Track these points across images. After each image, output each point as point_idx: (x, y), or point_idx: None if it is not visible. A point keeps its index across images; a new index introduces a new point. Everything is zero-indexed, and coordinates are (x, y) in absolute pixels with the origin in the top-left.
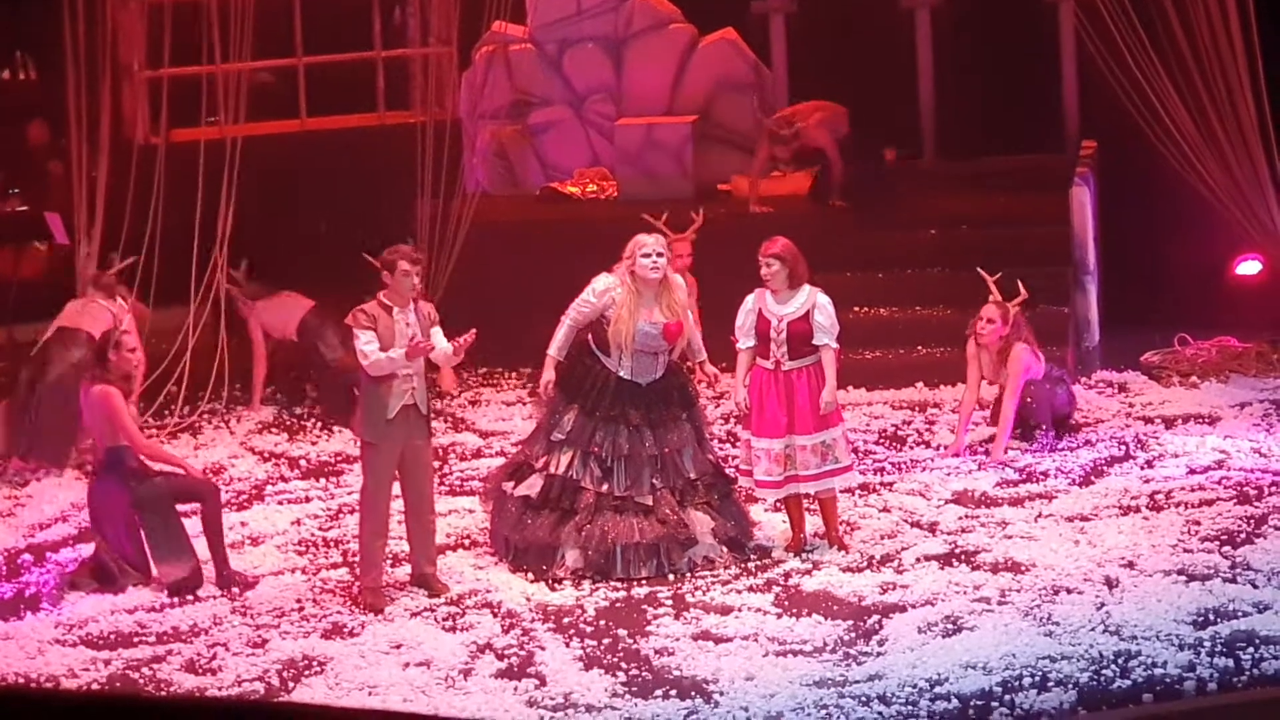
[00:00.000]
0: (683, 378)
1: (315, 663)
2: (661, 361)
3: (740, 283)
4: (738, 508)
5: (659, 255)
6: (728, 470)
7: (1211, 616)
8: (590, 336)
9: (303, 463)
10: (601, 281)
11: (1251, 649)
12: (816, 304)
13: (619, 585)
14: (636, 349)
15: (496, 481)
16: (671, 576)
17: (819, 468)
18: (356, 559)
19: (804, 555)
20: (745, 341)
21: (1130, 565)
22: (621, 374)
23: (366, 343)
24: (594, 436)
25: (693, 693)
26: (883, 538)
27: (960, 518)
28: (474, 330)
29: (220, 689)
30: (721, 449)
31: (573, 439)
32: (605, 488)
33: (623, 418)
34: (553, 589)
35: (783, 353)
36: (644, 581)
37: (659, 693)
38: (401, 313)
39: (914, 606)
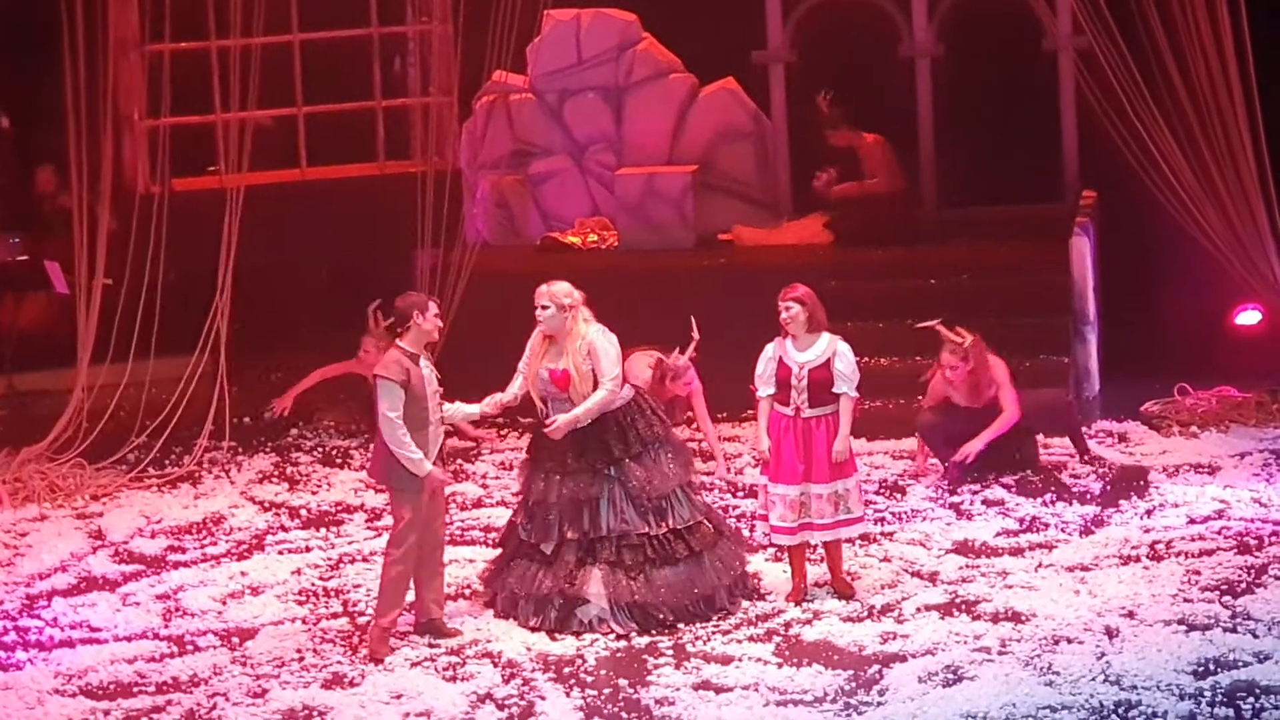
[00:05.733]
0: (612, 436)
1: (315, 713)
2: None
3: (743, 332)
4: (677, 577)
5: (543, 307)
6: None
7: (1212, 666)
8: None
9: (303, 512)
10: (535, 330)
11: (1252, 699)
12: (837, 352)
13: (620, 635)
14: (543, 394)
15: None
16: (575, 634)
17: (832, 517)
18: (358, 607)
19: (804, 605)
20: (765, 389)
21: (1130, 615)
22: (547, 422)
23: (392, 406)
24: (531, 484)
25: None
26: (883, 587)
27: (960, 567)
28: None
29: None
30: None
31: (521, 486)
32: (524, 534)
33: (546, 464)
34: (553, 638)
35: (803, 400)
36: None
37: None
38: (424, 361)
39: (914, 656)
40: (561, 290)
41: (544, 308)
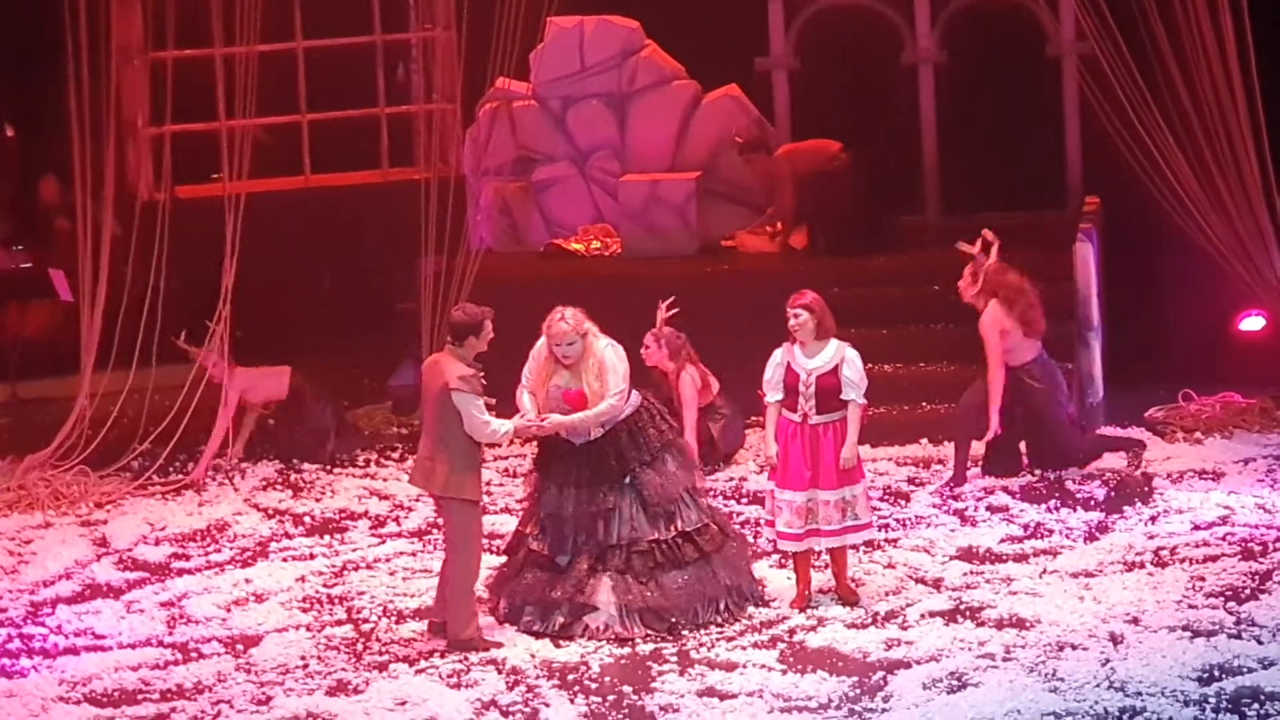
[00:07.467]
0: (625, 445)
1: None
2: None
3: (746, 338)
4: (686, 579)
5: (569, 344)
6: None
7: (1216, 672)
8: None
9: (307, 519)
10: (537, 345)
11: (1257, 705)
12: (845, 358)
13: (625, 639)
14: (555, 409)
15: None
16: (579, 640)
17: (839, 523)
18: (362, 614)
19: (808, 611)
20: (773, 395)
21: (1135, 621)
22: (562, 434)
23: (484, 411)
24: (542, 495)
25: None
26: (887, 594)
27: (965, 574)
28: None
29: None
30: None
31: (535, 498)
32: (536, 545)
33: (558, 477)
34: (557, 645)
35: (810, 406)
36: (579, 637)
37: None
38: None
39: (919, 663)
40: (576, 321)
41: (570, 344)
